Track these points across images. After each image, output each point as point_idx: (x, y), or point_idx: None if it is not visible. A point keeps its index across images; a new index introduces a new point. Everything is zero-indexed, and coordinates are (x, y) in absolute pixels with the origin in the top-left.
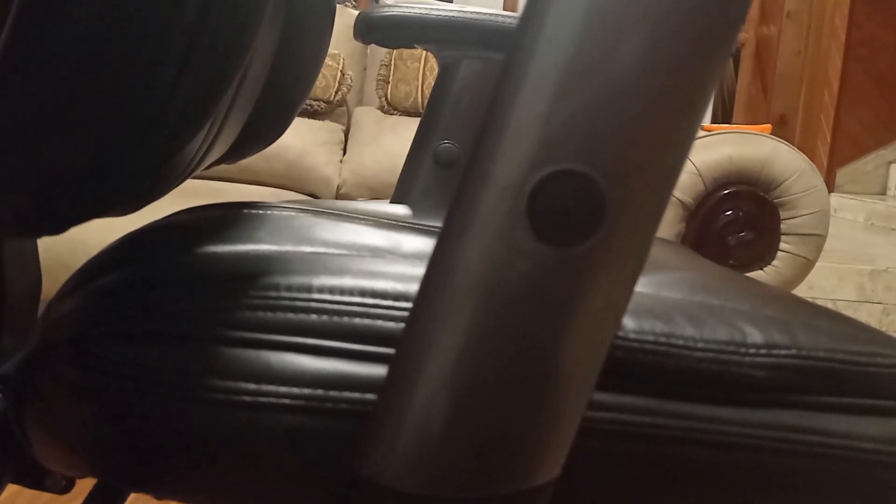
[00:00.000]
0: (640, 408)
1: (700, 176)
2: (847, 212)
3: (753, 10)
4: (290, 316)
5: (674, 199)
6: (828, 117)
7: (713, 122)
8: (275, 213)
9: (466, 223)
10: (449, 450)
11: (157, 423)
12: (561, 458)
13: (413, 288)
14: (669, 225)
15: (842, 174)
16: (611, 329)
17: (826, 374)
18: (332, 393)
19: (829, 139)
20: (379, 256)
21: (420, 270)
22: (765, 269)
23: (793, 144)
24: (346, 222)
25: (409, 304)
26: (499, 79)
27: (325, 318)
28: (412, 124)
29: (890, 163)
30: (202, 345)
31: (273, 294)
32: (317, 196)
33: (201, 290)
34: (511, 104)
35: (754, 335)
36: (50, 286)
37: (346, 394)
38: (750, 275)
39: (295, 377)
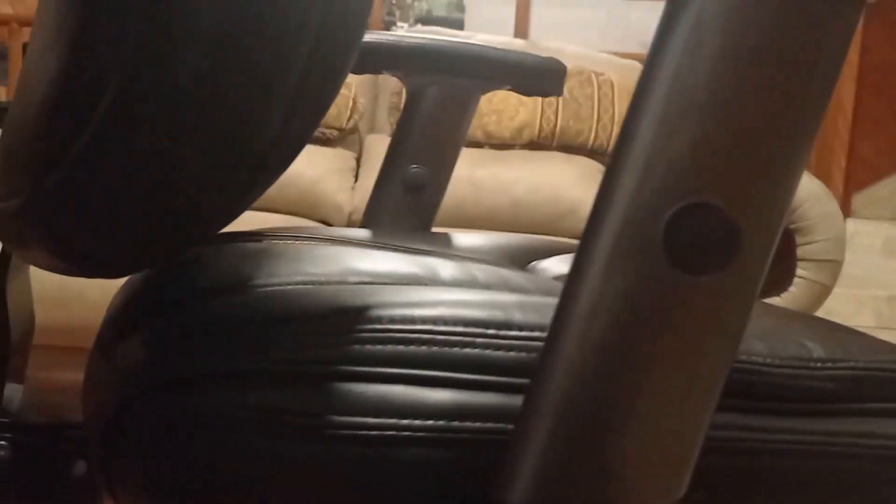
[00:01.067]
0: (732, 424)
1: None
2: (864, 237)
3: None
4: (400, 348)
5: None
6: (842, 143)
7: None
8: (294, 243)
9: (601, 253)
10: (584, 475)
11: (277, 465)
12: (686, 479)
13: (510, 315)
14: None
15: (858, 199)
16: (732, 352)
17: (877, 381)
18: (454, 423)
19: (843, 165)
20: (424, 284)
21: (496, 296)
22: (781, 295)
23: (808, 170)
24: (358, 249)
25: (511, 332)
26: (628, 116)
27: (434, 349)
28: None
29: None
30: (319, 382)
31: (378, 327)
32: (328, 223)
33: (303, 326)
34: (646, 141)
35: (817, 350)
36: None
37: (466, 423)
38: (767, 301)
39: (414, 409)
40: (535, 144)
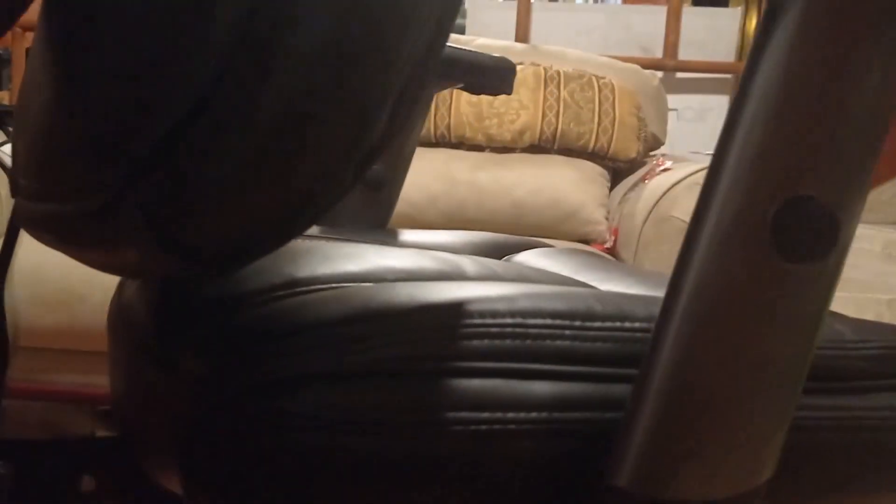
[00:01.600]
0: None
1: None
2: (864, 241)
3: None
4: (497, 342)
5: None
6: None
7: None
8: (312, 242)
9: (710, 245)
10: (690, 456)
11: (383, 463)
12: (776, 458)
13: (591, 306)
14: None
15: None
16: (817, 337)
17: None
18: (556, 414)
19: None
20: (454, 279)
21: (566, 289)
22: None
23: None
24: (366, 246)
25: (595, 324)
26: (731, 116)
27: (528, 342)
28: (426, 154)
29: None
30: (424, 379)
31: (473, 321)
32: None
33: (387, 325)
34: (752, 140)
35: (847, 332)
36: None
37: (567, 414)
38: None
39: (517, 402)
40: (537, 148)
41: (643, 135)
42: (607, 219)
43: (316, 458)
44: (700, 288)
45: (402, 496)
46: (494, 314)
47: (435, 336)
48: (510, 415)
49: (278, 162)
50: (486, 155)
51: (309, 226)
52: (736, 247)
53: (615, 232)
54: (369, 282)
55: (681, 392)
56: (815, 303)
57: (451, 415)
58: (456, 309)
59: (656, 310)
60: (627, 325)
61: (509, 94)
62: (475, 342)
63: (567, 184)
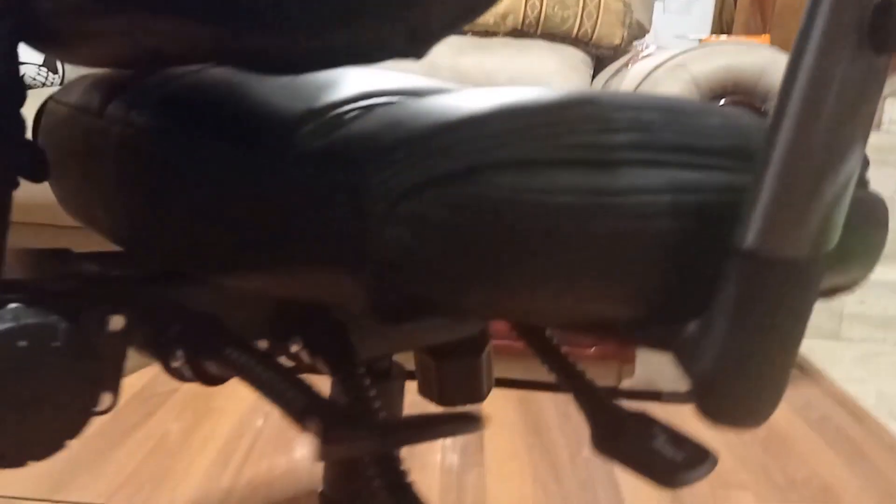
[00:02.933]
0: None
1: (696, 86)
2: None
3: None
4: (622, 136)
5: None
6: None
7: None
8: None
9: (815, 40)
10: (795, 221)
11: (556, 242)
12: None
13: (671, 105)
14: None
15: None
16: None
17: None
18: (689, 196)
19: None
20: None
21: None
22: None
23: None
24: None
25: (696, 120)
26: None
27: (646, 135)
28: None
29: (887, 96)
30: (589, 166)
31: (597, 117)
32: None
33: (534, 120)
34: None
35: None
36: None
37: (696, 196)
38: None
39: (658, 187)
40: (519, 32)
41: (628, 21)
42: None
43: (511, 238)
44: (810, 83)
45: (572, 272)
46: (605, 111)
47: (583, 128)
48: (650, 198)
49: None
50: (468, 39)
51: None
52: (838, 43)
53: None
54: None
55: (793, 169)
56: (882, 87)
57: (617, 199)
58: (570, 112)
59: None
60: (714, 121)
61: None
62: (610, 135)
63: (549, 70)
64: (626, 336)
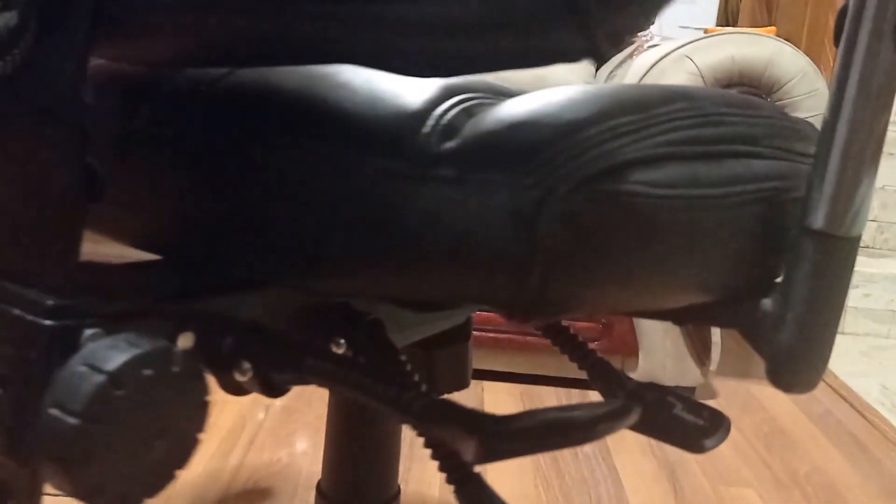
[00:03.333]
0: None
1: (701, 77)
2: None
3: None
4: (709, 130)
5: None
6: (831, 40)
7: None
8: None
9: (861, 45)
10: (851, 199)
11: (675, 235)
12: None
13: (725, 97)
14: None
15: None
16: None
17: None
18: (765, 184)
19: (832, 63)
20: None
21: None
22: None
23: (798, 49)
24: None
25: (752, 111)
26: None
27: (726, 129)
28: None
29: None
30: (677, 162)
31: (690, 113)
32: None
33: (648, 117)
34: None
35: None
36: None
37: (771, 183)
38: None
39: (742, 177)
40: None
41: None
42: None
43: (644, 234)
44: (859, 82)
45: (682, 262)
46: (687, 106)
47: (686, 123)
48: (738, 188)
49: None
50: None
51: None
52: (881, 46)
53: None
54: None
55: (849, 157)
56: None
57: (720, 190)
58: (654, 110)
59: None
60: (768, 113)
61: None
62: (698, 130)
63: None
64: (705, 318)
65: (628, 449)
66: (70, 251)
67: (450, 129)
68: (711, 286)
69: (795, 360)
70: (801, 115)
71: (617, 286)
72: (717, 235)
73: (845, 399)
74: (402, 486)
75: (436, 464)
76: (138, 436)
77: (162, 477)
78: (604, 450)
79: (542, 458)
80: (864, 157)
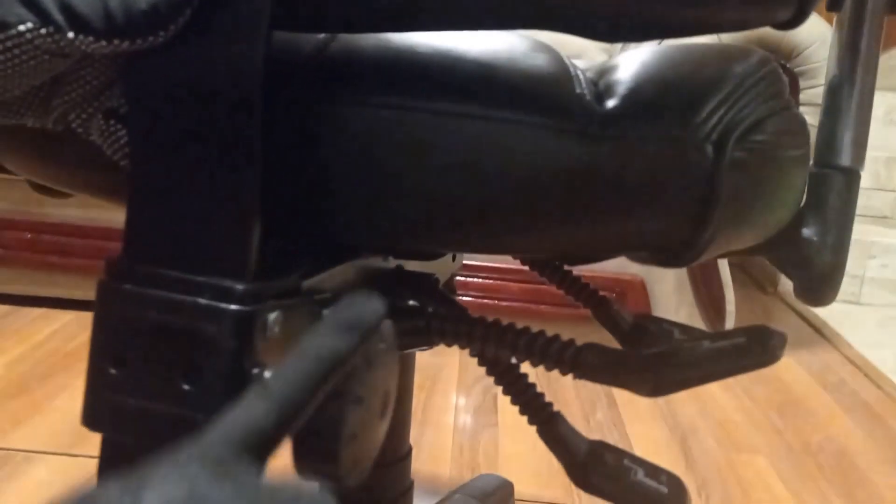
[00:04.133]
0: None
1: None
2: None
3: None
4: (778, 87)
5: None
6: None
7: None
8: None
9: (868, 12)
10: (865, 144)
11: (784, 179)
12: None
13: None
14: None
15: None
16: None
17: None
18: (808, 131)
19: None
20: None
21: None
22: None
23: (817, 14)
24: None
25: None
26: None
27: (776, 86)
28: None
29: None
30: (777, 117)
31: (759, 71)
32: None
33: (747, 76)
34: None
35: None
36: None
37: (811, 131)
38: None
39: (802, 127)
40: None
41: None
42: None
43: (771, 181)
44: (868, 41)
45: (776, 204)
46: (753, 63)
47: (770, 80)
48: (805, 137)
49: None
50: None
51: None
52: (881, 11)
53: None
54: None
55: (864, 104)
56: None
57: (799, 139)
58: (760, 62)
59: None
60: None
61: None
62: (783, 86)
63: None
64: (762, 251)
65: (640, 416)
66: (251, 232)
67: (604, 89)
68: (785, 220)
69: (833, 277)
70: (820, 81)
71: (754, 228)
72: (799, 179)
73: (860, 369)
74: (415, 451)
75: (449, 427)
76: (377, 409)
77: (379, 450)
78: (616, 417)
79: None
80: (870, 105)
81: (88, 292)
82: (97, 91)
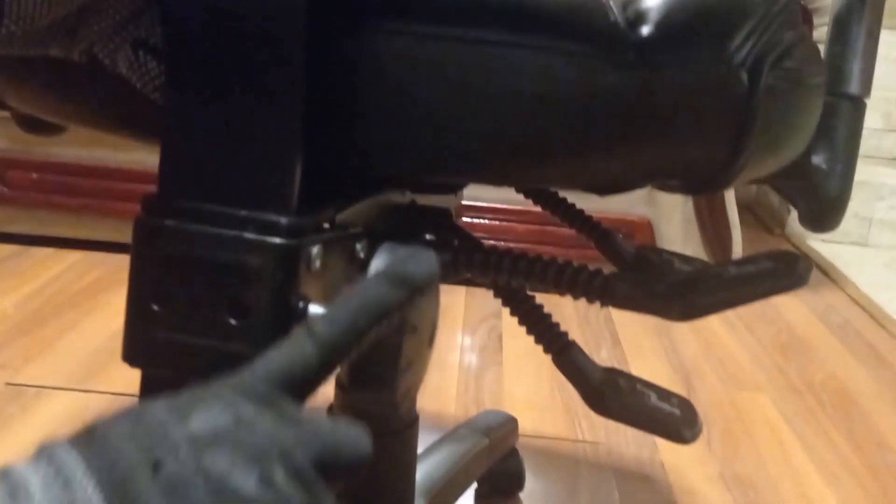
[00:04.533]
0: None
1: None
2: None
3: None
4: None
5: None
6: None
7: None
8: None
9: None
10: (872, 73)
11: (808, 106)
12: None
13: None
14: None
15: None
16: None
17: None
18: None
19: None
20: None
21: None
22: None
23: None
24: None
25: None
26: None
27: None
28: None
29: None
30: (801, 46)
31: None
32: None
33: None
34: None
35: None
36: None
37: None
38: None
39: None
40: None
41: None
42: None
43: (795, 107)
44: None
45: (797, 132)
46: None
47: (789, 16)
48: (820, 66)
49: None
50: None
51: None
52: None
53: None
54: None
55: (872, 36)
56: None
57: (815, 71)
58: None
59: None
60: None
61: None
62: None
63: None
64: (767, 180)
65: (644, 354)
66: (295, 165)
67: (635, 16)
68: (802, 147)
69: (841, 202)
70: None
71: (779, 154)
72: (818, 107)
73: (865, 310)
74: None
75: (454, 366)
76: (427, 338)
77: (423, 378)
78: (619, 355)
79: None
80: (878, 37)
81: (95, 231)
82: (125, 21)
